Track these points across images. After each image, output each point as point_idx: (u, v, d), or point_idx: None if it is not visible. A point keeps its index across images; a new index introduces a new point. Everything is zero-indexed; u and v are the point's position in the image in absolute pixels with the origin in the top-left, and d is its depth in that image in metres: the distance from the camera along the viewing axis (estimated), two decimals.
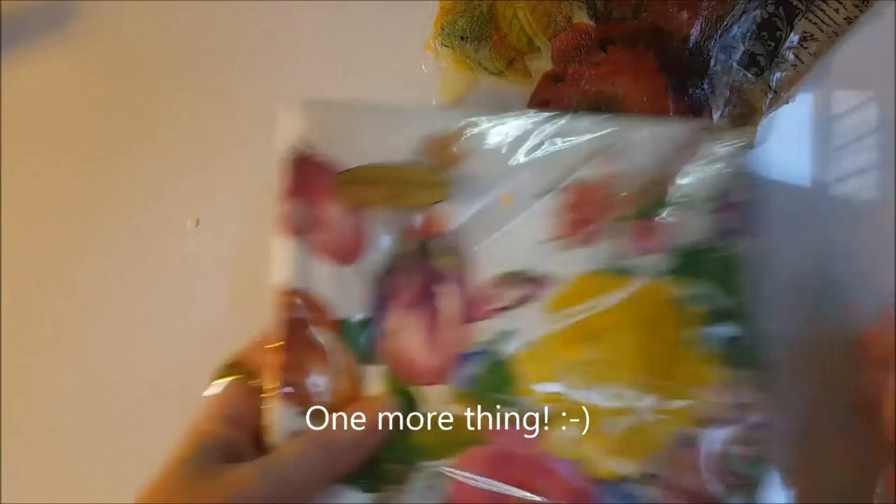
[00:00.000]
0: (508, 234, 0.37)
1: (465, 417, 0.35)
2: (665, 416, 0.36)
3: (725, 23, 0.37)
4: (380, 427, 0.35)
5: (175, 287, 0.40)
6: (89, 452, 0.40)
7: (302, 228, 0.35)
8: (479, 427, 0.35)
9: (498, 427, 0.35)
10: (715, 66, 0.38)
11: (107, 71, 0.43)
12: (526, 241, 0.37)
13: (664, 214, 0.37)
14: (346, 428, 0.34)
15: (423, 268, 0.36)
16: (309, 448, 0.34)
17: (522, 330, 0.36)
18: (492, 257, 0.36)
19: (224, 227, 0.40)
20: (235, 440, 0.34)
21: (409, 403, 0.35)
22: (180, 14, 0.43)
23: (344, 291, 0.35)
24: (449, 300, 0.36)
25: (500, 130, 0.37)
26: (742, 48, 0.38)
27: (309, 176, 0.35)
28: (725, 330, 0.37)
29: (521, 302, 0.36)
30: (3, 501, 0.40)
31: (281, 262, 0.35)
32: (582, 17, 0.38)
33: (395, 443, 0.35)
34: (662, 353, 0.36)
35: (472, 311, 0.36)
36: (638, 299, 0.37)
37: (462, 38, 0.39)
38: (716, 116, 0.39)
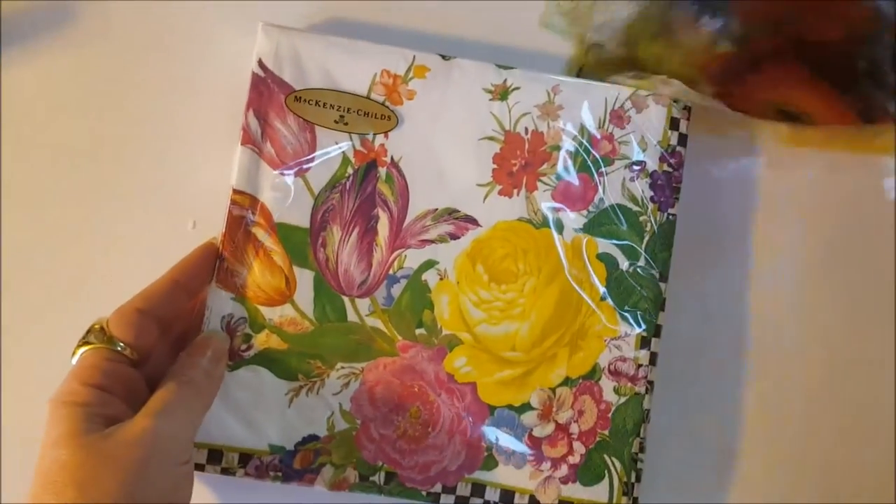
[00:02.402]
0: (444, 173, 0.40)
1: (381, 331, 0.39)
2: (558, 361, 0.39)
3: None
4: (223, 359, 0.37)
5: None
6: None
7: (255, 139, 0.39)
8: (391, 341, 0.39)
9: (408, 344, 0.39)
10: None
11: (107, 71, 0.42)
12: (459, 182, 0.40)
13: (594, 173, 0.40)
14: (201, 364, 0.36)
15: (363, 190, 0.39)
16: (180, 389, 0.34)
17: (443, 263, 0.39)
18: (426, 192, 0.39)
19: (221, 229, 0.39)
20: (109, 405, 0.33)
21: (335, 310, 0.39)
22: (181, 14, 0.42)
23: (287, 199, 0.39)
24: (383, 224, 0.39)
25: (451, 74, 0.40)
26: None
27: (267, 93, 0.38)
28: (630, 291, 0.40)
29: (446, 237, 0.40)
30: (3, 502, 0.41)
31: (235, 167, 0.38)
32: (724, 46, 0.39)
33: (317, 342, 0.39)
34: (566, 302, 0.40)
35: (402, 239, 0.39)
36: (551, 250, 0.40)
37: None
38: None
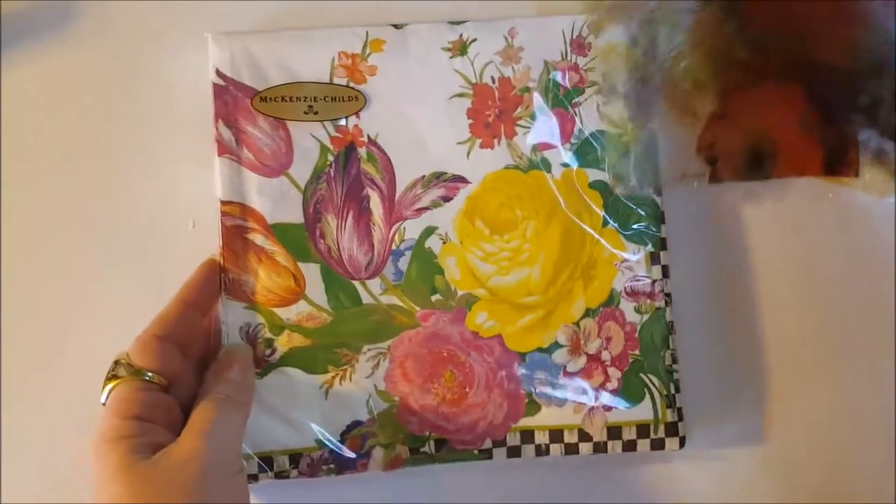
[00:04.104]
0: (423, 139, 0.40)
1: (398, 306, 0.40)
2: (575, 295, 0.40)
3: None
4: (250, 369, 0.38)
5: (174, 285, 0.39)
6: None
7: (231, 148, 0.39)
8: (410, 313, 0.39)
9: (427, 312, 0.40)
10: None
11: (107, 71, 0.42)
12: (439, 145, 0.40)
13: (568, 106, 0.40)
14: (236, 373, 0.36)
15: (348, 174, 0.39)
16: (217, 405, 0.34)
17: (443, 227, 0.40)
18: (410, 162, 0.40)
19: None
20: (152, 433, 0.33)
21: (349, 296, 0.39)
22: (181, 14, 0.42)
23: (276, 199, 0.39)
24: (375, 203, 0.40)
25: (407, 41, 0.40)
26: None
27: (232, 100, 0.39)
28: (629, 212, 0.40)
29: (440, 201, 0.40)
30: (3, 502, 0.41)
31: (217, 179, 0.38)
32: (741, 53, 0.39)
33: (339, 331, 0.39)
34: (570, 237, 0.40)
35: (397, 212, 0.40)
36: (545, 190, 0.40)
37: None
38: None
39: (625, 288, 0.40)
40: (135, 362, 0.35)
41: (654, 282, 0.40)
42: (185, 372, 0.37)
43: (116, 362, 0.35)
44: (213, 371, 0.37)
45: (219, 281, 0.38)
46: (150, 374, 0.35)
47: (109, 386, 0.34)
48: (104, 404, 0.34)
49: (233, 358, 0.37)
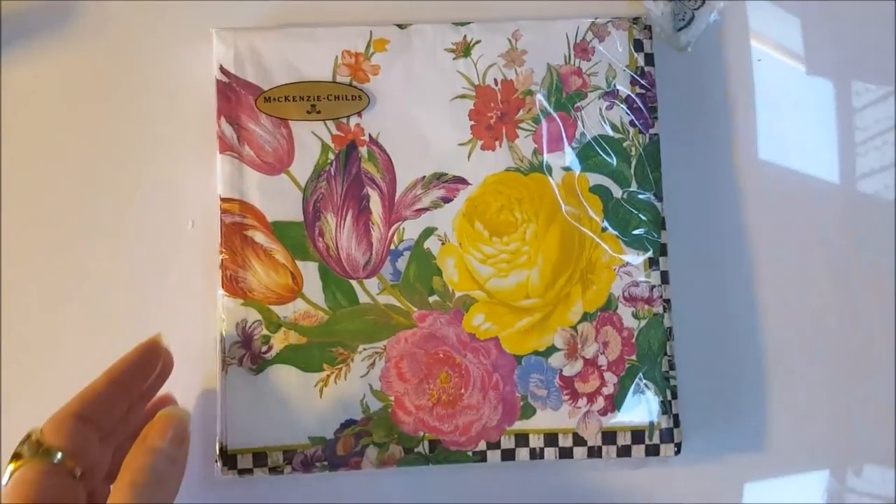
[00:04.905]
0: (424, 139, 0.40)
1: (395, 306, 0.40)
2: (573, 299, 0.40)
3: None
4: (186, 439, 0.33)
5: (174, 284, 0.39)
6: None
7: (232, 145, 0.39)
8: (407, 314, 0.39)
9: (424, 313, 0.40)
10: None
11: (107, 71, 0.42)
12: (440, 146, 0.40)
13: (570, 110, 0.40)
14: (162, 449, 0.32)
15: (349, 173, 0.40)
16: (143, 489, 0.30)
17: (442, 228, 0.40)
18: (411, 162, 0.40)
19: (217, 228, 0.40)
20: None
21: (346, 295, 0.40)
22: (180, 14, 0.42)
23: (276, 197, 0.39)
24: (375, 202, 0.40)
25: (411, 41, 0.40)
26: None
27: (235, 97, 0.39)
28: (629, 217, 0.40)
29: (440, 202, 0.40)
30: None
31: (218, 176, 0.39)
32: None
33: (335, 330, 0.39)
34: (569, 241, 0.40)
35: (397, 212, 0.40)
36: (545, 194, 0.40)
37: None
38: None
39: (623, 293, 0.40)
40: (46, 441, 0.31)
41: (652, 287, 0.40)
42: (100, 459, 0.33)
43: (24, 440, 0.31)
44: (141, 439, 0.32)
45: (155, 365, 0.35)
46: (59, 455, 0.31)
47: (12, 466, 0.31)
48: (5, 485, 0.31)
49: (167, 423, 0.33)
